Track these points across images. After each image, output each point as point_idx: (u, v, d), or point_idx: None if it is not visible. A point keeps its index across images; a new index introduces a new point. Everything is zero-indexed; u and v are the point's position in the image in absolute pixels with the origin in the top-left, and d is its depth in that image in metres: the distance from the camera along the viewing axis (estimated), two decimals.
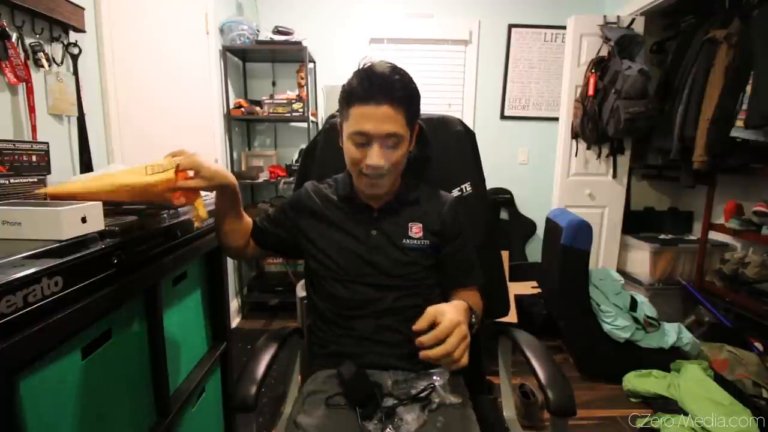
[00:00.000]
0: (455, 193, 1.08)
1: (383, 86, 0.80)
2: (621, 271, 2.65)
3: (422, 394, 0.81)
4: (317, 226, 0.94)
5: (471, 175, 1.10)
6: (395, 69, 0.83)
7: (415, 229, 0.92)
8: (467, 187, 1.09)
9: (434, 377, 0.85)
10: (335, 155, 1.03)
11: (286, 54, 2.65)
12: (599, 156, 2.67)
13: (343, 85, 0.85)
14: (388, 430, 0.75)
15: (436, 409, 0.80)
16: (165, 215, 0.91)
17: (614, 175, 2.70)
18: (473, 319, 0.81)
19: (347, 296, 0.90)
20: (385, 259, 0.90)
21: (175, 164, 0.80)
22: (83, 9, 1.25)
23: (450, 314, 0.70)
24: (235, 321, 2.60)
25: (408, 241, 0.91)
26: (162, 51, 1.80)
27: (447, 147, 1.09)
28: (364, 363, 0.87)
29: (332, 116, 1.12)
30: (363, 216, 0.93)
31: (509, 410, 1.04)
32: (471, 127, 1.24)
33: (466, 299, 0.92)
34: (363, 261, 0.90)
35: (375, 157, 0.81)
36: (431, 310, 0.71)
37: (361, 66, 0.85)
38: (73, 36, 1.25)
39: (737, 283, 2.20)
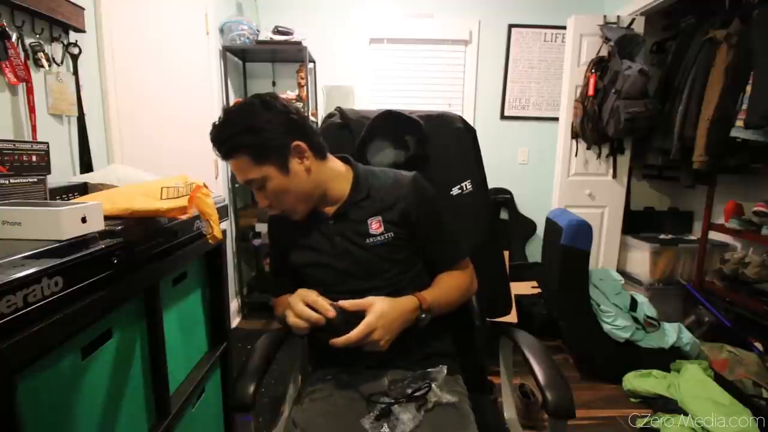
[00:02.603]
0: (455, 191, 1.07)
1: (216, 145, 0.82)
2: (621, 271, 2.65)
3: (418, 394, 0.80)
4: (291, 249, 0.94)
5: (472, 173, 1.09)
6: (223, 117, 0.82)
7: (375, 225, 0.89)
8: (468, 185, 1.08)
9: (431, 377, 0.85)
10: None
11: (286, 54, 2.65)
12: (599, 156, 2.67)
13: None
14: (384, 429, 0.75)
15: (432, 408, 0.80)
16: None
17: (614, 175, 2.70)
18: (422, 316, 0.83)
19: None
20: (355, 263, 0.88)
21: (192, 189, 0.81)
22: (83, 9, 1.25)
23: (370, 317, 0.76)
24: (235, 321, 2.60)
25: (371, 239, 0.88)
26: (162, 51, 1.80)
27: (447, 145, 1.09)
28: (361, 363, 0.87)
29: (330, 116, 1.12)
30: (322, 226, 0.92)
31: (509, 410, 1.04)
32: None
33: (453, 279, 0.93)
34: (336, 271, 0.89)
35: (260, 201, 0.87)
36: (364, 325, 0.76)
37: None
38: (73, 36, 1.25)
39: (737, 283, 2.20)
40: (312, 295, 0.79)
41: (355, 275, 0.88)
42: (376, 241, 0.88)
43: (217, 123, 0.82)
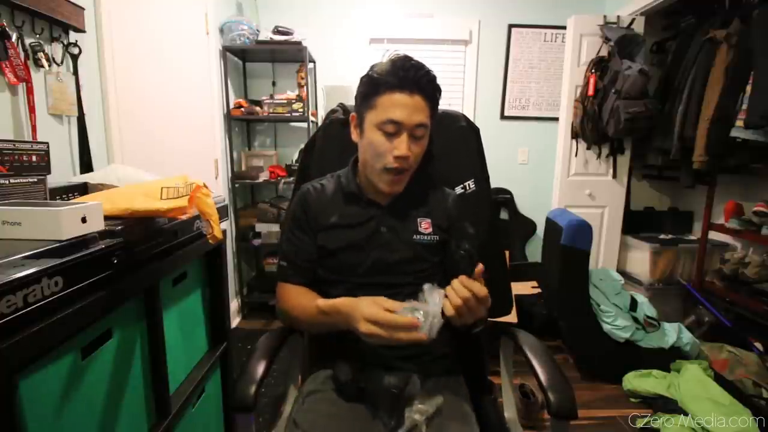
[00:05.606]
0: (458, 190, 1.07)
1: (417, 76, 0.81)
2: (621, 271, 2.65)
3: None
4: (324, 230, 0.92)
5: (475, 172, 1.09)
6: (423, 64, 0.84)
7: (425, 225, 0.91)
8: (470, 184, 1.08)
9: (434, 377, 0.85)
10: (334, 151, 1.02)
11: (286, 54, 2.65)
12: (599, 156, 2.67)
13: (368, 75, 0.84)
14: (412, 414, 0.75)
15: (435, 410, 0.80)
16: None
17: (614, 175, 2.70)
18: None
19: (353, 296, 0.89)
20: (395, 256, 0.88)
21: (192, 189, 0.81)
22: (83, 9, 1.25)
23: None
24: (235, 321, 2.60)
25: (418, 237, 0.90)
26: (162, 51, 1.79)
27: (450, 143, 1.08)
28: (365, 363, 0.87)
29: (332, 111, 1.11)
30: (370, 213, 0.91)
31: (510, 410, 1.04)
32: None
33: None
34: (371, 260, 0.88)
35: (404, 147, 0.81)
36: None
37: (388, 57, 0.84)
38: (73, 36, 1.25)
39: (737, 283, 2.20)
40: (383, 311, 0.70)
41: (387, 267, 0.88)
42: (422, 240, 0.90)
43: (416, 59, 0.83)
